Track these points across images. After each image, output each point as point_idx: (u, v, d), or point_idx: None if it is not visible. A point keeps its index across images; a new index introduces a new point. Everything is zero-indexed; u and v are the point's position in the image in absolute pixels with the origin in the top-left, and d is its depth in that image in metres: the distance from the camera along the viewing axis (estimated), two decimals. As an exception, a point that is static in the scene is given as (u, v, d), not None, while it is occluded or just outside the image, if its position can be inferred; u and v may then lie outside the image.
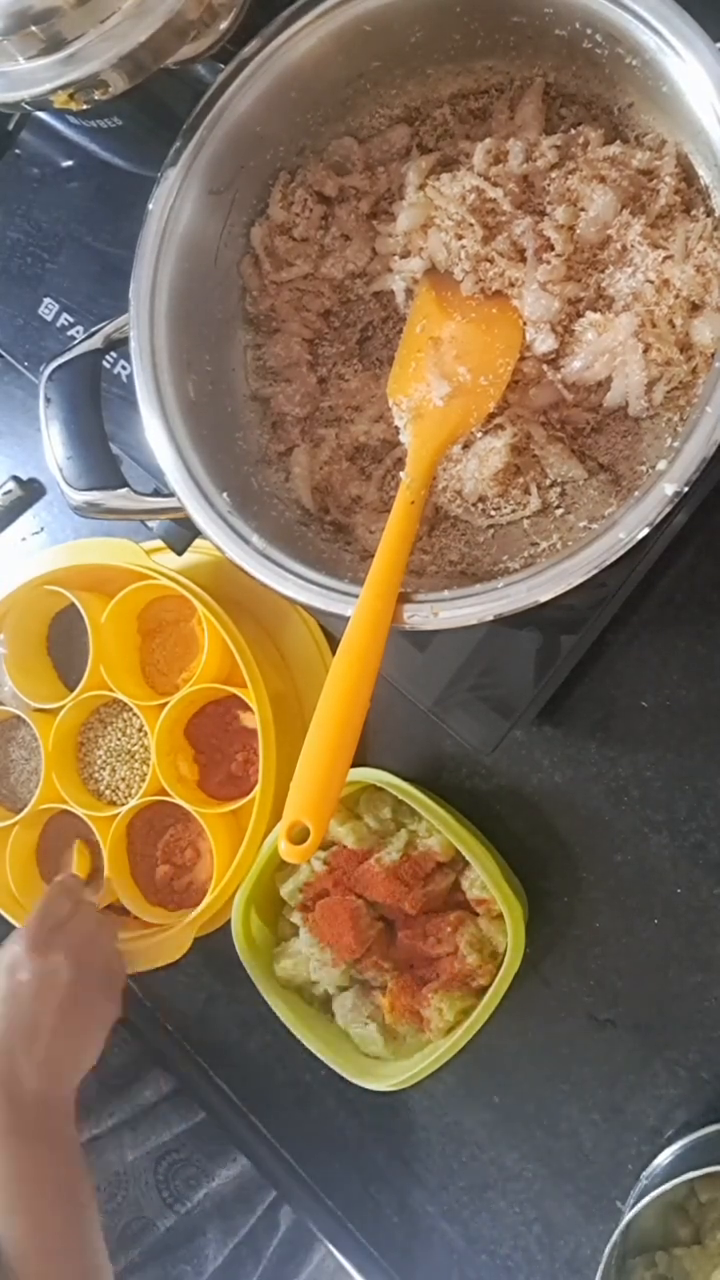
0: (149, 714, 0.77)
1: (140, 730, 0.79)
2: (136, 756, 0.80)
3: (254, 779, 0.73)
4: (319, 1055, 0.70)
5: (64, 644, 0.84)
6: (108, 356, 0.63)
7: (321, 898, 0.71)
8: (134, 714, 0.78)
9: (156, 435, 0.57)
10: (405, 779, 0.68)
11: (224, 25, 0.60)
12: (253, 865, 0.72)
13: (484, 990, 0.68)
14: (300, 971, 0.72)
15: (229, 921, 0.73)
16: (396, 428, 0.62)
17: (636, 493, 0.48)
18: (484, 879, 0.67)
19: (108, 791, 0.81)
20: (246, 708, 0.74)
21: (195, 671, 0.75)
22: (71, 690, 0.78)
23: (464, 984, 0.69)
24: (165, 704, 0.75)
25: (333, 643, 0.76)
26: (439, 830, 0.68)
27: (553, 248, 0.58)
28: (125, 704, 0.78)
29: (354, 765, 0.67)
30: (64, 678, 0.84)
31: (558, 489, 0.60)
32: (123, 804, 0.78)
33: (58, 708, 0.79)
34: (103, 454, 0.60)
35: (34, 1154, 0.62)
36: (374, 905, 0.71)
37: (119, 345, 0.60)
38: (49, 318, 0.79)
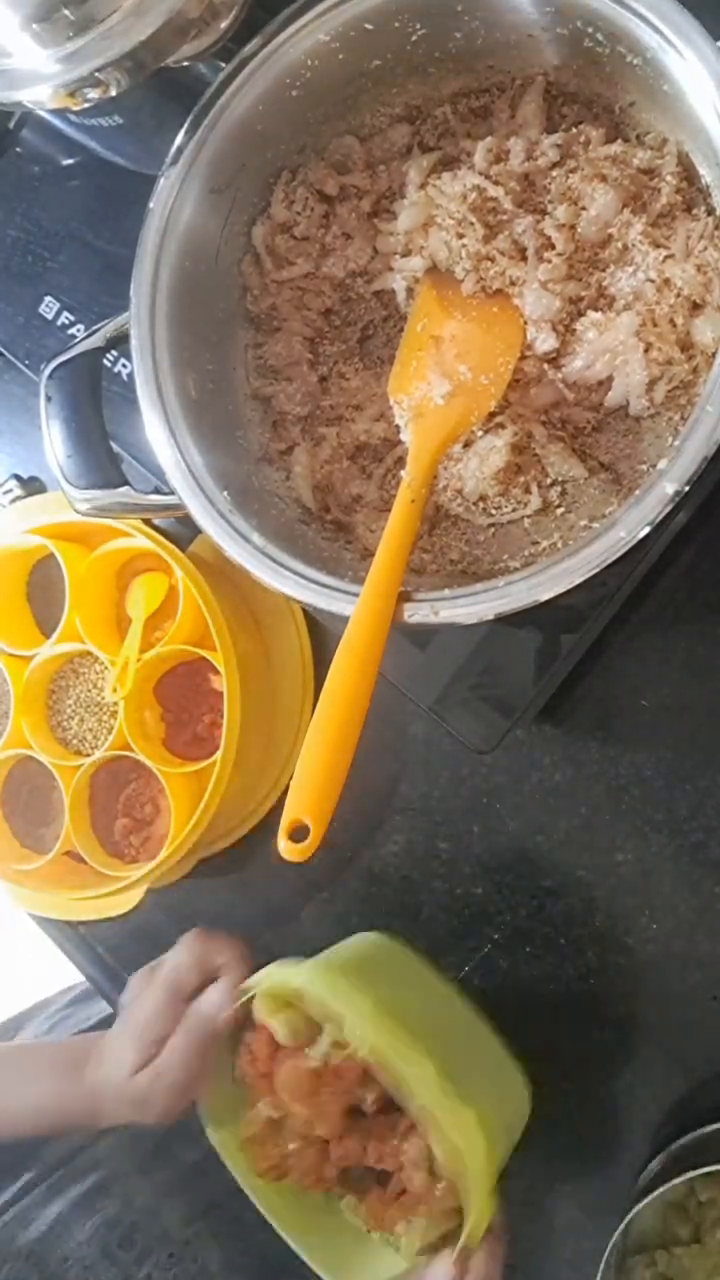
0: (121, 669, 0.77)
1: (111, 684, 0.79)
2: (105, 710, 0.80)
3: (218, 742, 0.73)
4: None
5: (43, 592, 0.84)
6: (108, 355, 0.63)
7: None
8: (106, 667, 0.78)
9: (157, 434, 0.57)
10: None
11: (225, 24, 0.60)
12: (208, 820, 0.71)
13: (457, 1211, 0.57)
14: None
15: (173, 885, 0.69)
16: (397, 426, 0.62)
17: (637, 492, 0.48)
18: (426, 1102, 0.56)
19: (75, 741, 0.81)
20: (217, 671, 0.74)
21: (169, 631, 0.76)
22: (47, 638, 0.79)
23: (422, 1206, 0.58)
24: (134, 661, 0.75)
25: (325, 638, 0.76)
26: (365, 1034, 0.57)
27: (554, 246, 0.58)
28: (98, 657, 0.78)
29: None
30: (41, 625, 0.84)
31: (558, 488, 0.60)
32: (88, 755, 0.78)
33: (31, 654, 0.79)
34: (103, 453, 0.60)
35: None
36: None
37: (120, 344, 0.60)
38: (50, 316, 0.79)
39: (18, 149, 0.82)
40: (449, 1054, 0.57)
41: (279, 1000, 0.61)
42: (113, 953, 0.84)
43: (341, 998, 0.58)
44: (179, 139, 0.59)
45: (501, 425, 0.60)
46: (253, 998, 0.61)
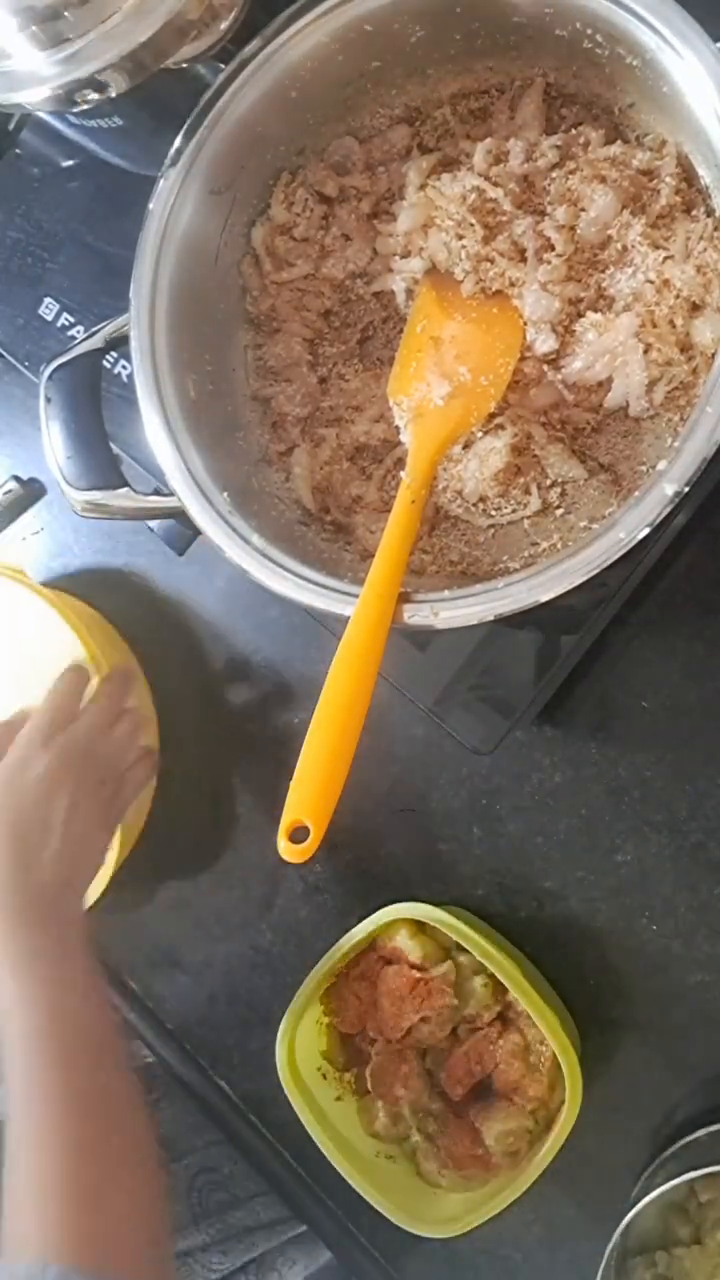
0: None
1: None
2: None
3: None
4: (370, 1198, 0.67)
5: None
6: (108, 356, 0.63)
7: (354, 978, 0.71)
8: None
9: (157, 435, 0.57)
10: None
11: (224, 25, 0.60)
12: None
13: (536, 1111, 0.67)
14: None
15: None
16: (397, 428, 0.62)
17: (637, 493, 0.49)
18: (541, 1028, 0.65)
19: None
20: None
21: None
22: None
23: (511, 1100, 0.67)
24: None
25: (325, 640, 0.76)
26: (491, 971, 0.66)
27: (553, 248, 0.58)
28: None
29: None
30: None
31: (558, 489, 0.60)
32: None
33: None
34: (103, 454, 0.60)
35: (42, 941, 0.60)
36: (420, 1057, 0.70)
37: (119, 345, 0.61)
38: (49, 317, 0.79)
39: (17, 150, 0.82)
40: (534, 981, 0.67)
41: (413, 927, 0.70)
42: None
43: (467, 926, 0.67)
44: (178, 140, 0.59)
45: (501, 426, 0.60)
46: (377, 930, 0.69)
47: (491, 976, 0.68)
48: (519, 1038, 0.68)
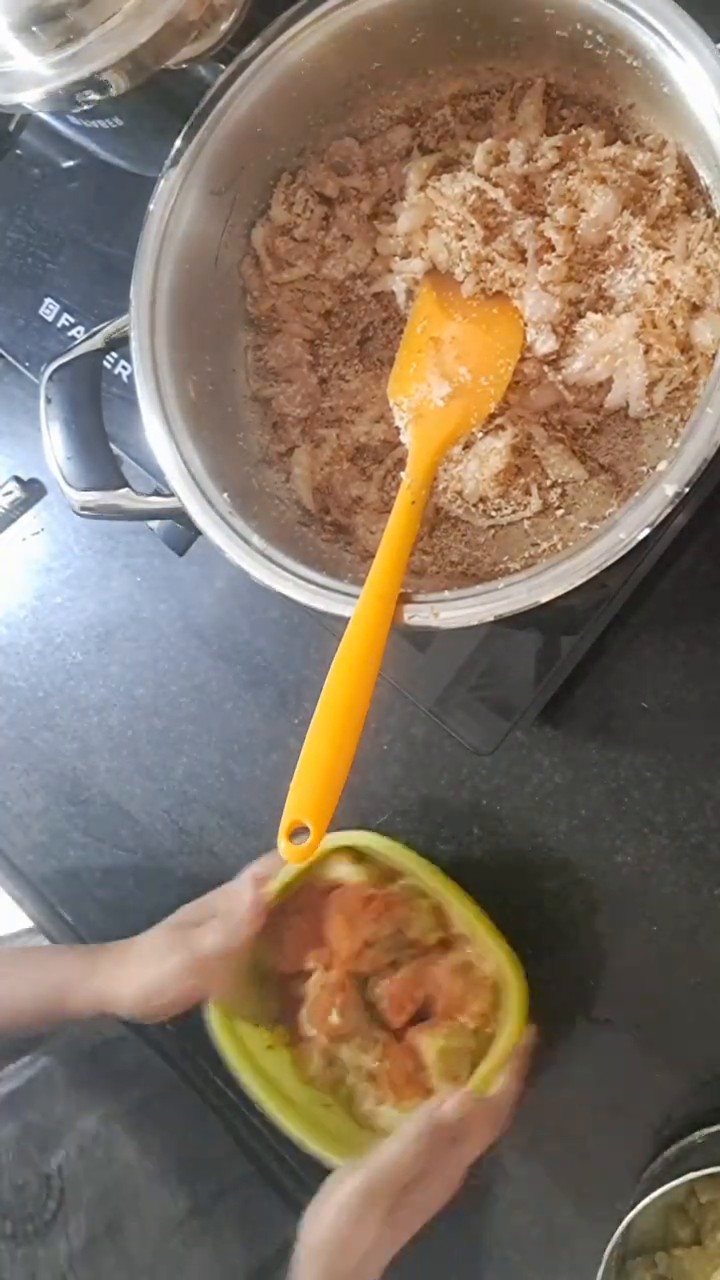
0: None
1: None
2: None
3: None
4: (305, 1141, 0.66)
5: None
6: (108, 357, 0.63)
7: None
8: None
9: (157, 435, 0.57)
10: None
11: (225, 26, 0.60)
12: None
13: (478, 1030, 0.67)
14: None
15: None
16: (397, 428, 0.62)
17: (637, 493, 0.49)
18: (487, 940, 0.66)
19: None
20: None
21: None
22: None
23: (453, 1019, 0.67)
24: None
25: (326, 641, 0.76)
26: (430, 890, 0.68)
27: (553, 248, 0.58)
28: None
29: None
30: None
31: (558, 490, 0.60)
32: None
33: None
34: (103, 454, 0.60)
35: None
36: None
37: (119, 345, 0.61)
38: (50, 318, 0.79)
39: (18, 151, 0.82)
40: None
41: (352, 855, 0.71)
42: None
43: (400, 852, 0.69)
44: (179, 141, 0.59)
45: (501, 427, 0.60)
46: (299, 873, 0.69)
47: (435, 902, 0.69)
48: (459, 956, 0.68)
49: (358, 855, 0.71)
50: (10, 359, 0.81)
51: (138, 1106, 0.71)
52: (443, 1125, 0.61)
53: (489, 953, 0.66)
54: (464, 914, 0.67)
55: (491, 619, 0.50)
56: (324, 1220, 0.60)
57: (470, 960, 0.68)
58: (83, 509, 0.61)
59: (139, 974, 0.67)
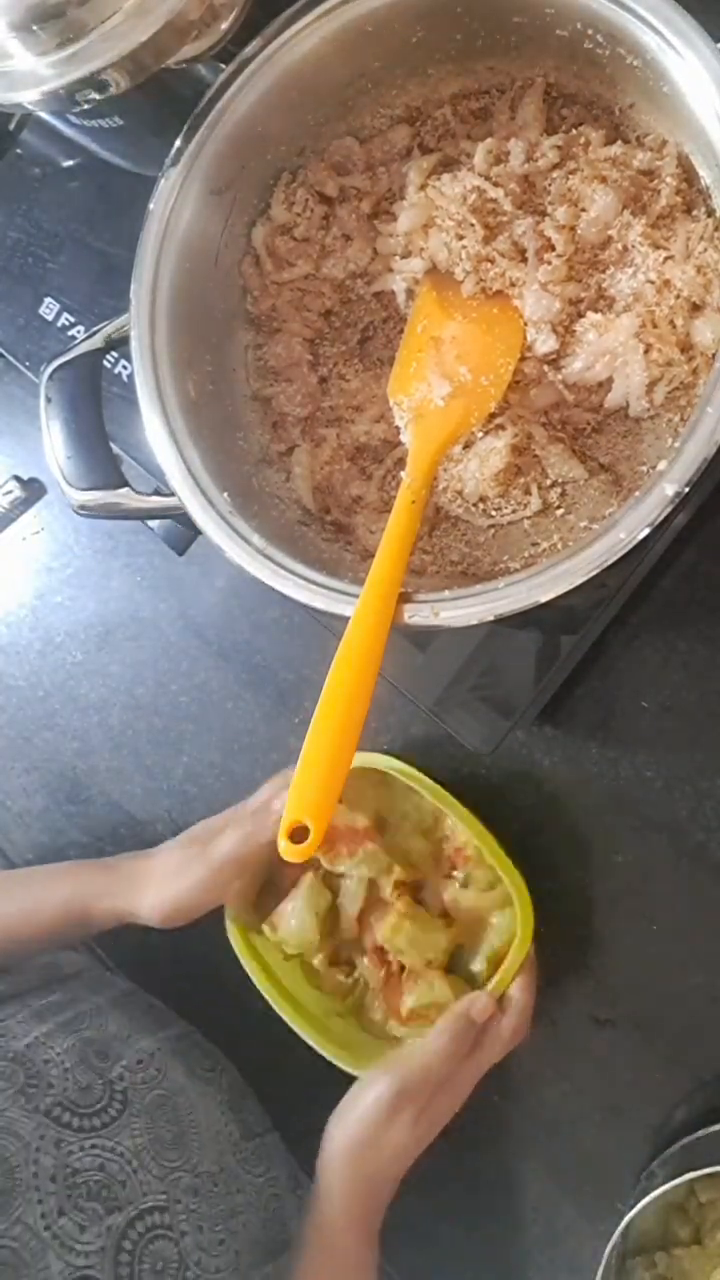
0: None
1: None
2: None
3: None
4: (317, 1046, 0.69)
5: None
6: (108, 356, 0.63)
7: None
8: None
9: (157, 435, 0.57)
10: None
11: (225, 25, 0.60)
12: None
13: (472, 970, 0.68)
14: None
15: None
16: (397, 428, 0.62)
17: (637, 493, 0.48)
18: (486, 855, 0.68)
19: None
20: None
21: None
22: None
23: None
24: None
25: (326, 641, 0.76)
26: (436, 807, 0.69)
27: (554, 248, 0.58)
28: None
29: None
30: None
31: (558, 489, 0.60)
32: None
33: None
34: (103, 454, 0.60)
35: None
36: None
37: (120, 345, 0.61)
38: (50, 317, 0.79)
39: (18, 150, 0.82)
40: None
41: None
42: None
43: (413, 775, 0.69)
44: (179, 140, 0.59)
45: (501, 427, 0.60)
46: None
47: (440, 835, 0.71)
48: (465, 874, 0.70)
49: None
50: (10, 358, 0.81)
51: (179, 1037, 0.74)
52: (471, 1027, 0.64)
53: (496, 863, 0.68)
54: (470, 832, 0.68)
55: (491, 618, 0.50)
56: (357, 1120, 0.63)
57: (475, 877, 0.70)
58: (83, 508, 0.61)
59: (161, 888, 0.70)
